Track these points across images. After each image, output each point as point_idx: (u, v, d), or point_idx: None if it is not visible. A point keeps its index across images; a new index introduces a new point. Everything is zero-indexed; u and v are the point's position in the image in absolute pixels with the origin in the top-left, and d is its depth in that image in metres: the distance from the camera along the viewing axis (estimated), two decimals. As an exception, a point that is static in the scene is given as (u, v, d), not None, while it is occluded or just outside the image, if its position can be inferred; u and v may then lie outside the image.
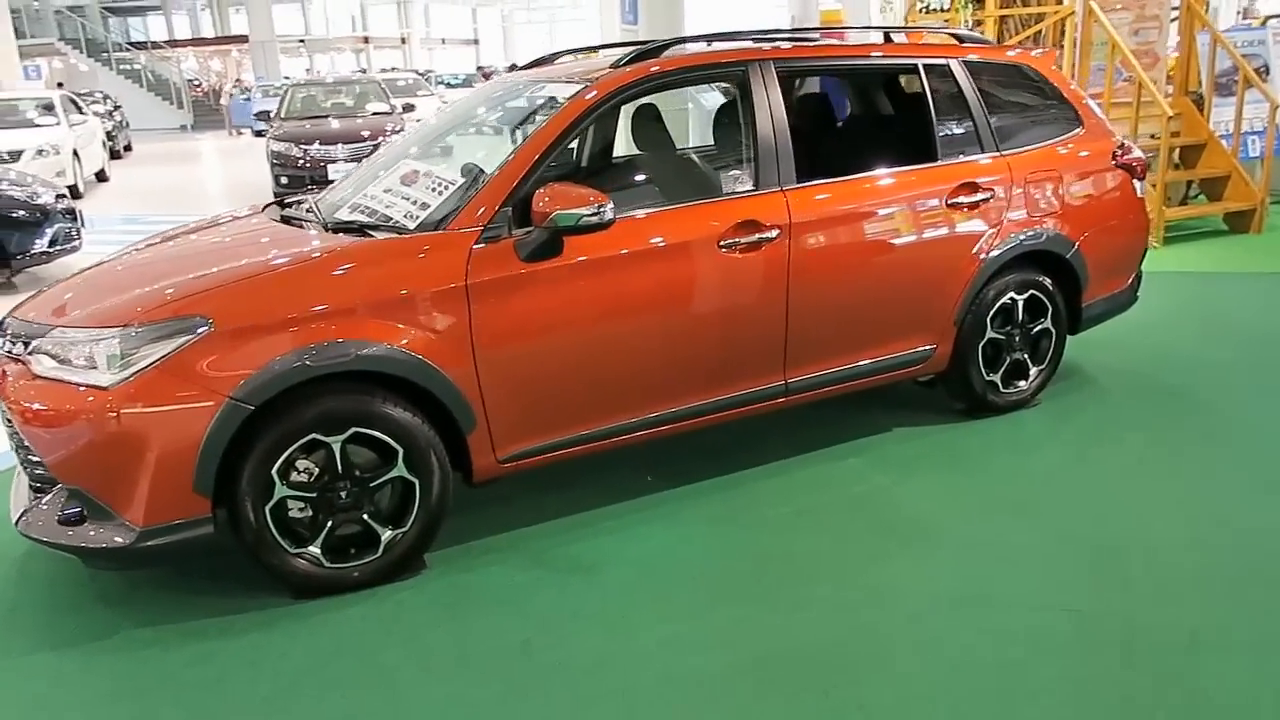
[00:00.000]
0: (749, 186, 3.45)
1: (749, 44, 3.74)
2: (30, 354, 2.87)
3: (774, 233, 3.39)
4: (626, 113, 4.30)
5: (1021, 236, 3.94)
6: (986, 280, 3.91)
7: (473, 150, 3.83)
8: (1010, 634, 2.65)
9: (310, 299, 2.81)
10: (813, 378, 3.64)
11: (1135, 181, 4.32)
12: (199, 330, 2.69)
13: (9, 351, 2.97)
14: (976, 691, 2.41)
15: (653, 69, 3.38)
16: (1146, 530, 3.17)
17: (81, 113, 16.10)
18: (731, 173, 3.45)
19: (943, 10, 8.41)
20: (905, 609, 2.78)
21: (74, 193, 13.92)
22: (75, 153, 14.30)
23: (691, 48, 3.68)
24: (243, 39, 37.49)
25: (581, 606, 2.87)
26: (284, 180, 11.78)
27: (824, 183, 3.60)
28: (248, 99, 28.02)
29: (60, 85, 25.47)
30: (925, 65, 3.90)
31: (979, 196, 3.84)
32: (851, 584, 2.92)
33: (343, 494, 2.89)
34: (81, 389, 2.69)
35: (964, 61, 4.00)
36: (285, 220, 3.45)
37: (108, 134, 21.22)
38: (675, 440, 3.82)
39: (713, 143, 4.38)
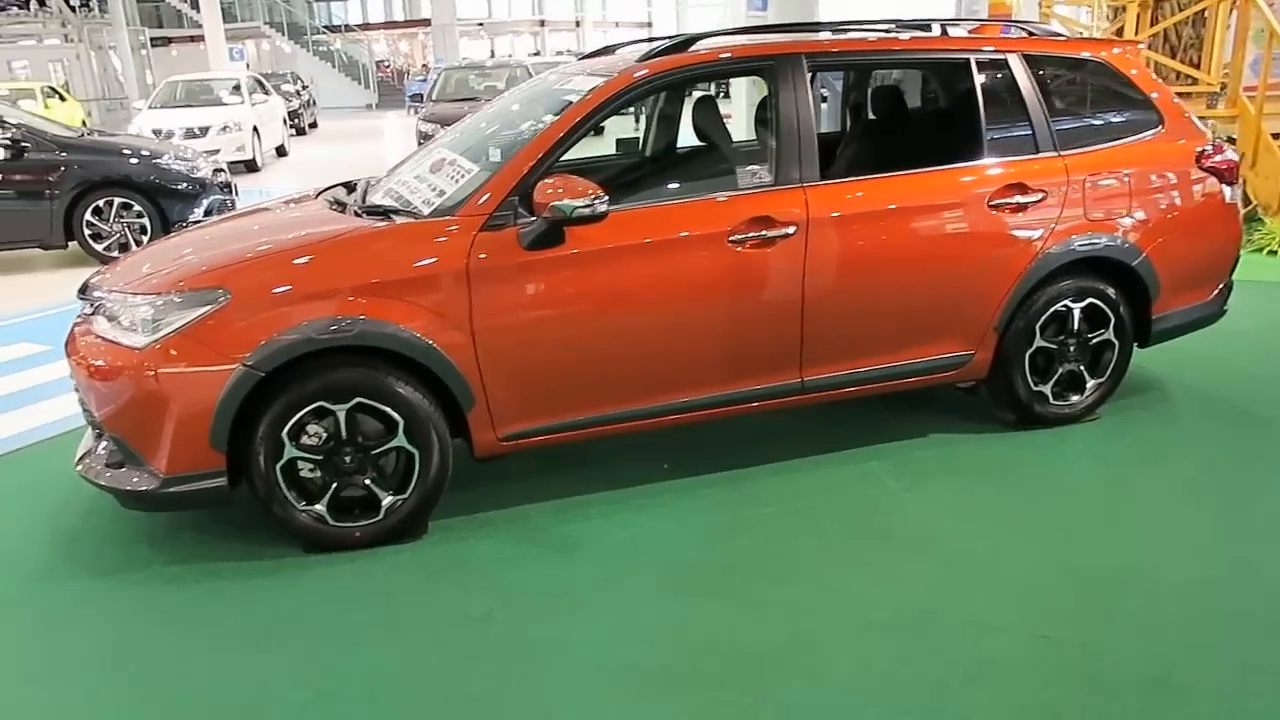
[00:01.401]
0: (768, 182, 3.43)
1: (781, 37, 3.69)
2: (94, 314, 3.24)
3: (790, 229, 3.36)
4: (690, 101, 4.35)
5: (1076, 242, 3.72)
6: (1035, 286, 3.73)
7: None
8: (963, 654, 2.57)
9: (320, 276, 3.04)
10: (831, 377, 3.59)
11: (1225, 187, 3.99)
12: (219, 301, 2.96)
13: (84, 312, 3.36)
14: (899, 709, 2.37)
15: (673, 63, 3.41)
16: (1156, 564, 2.97)
17: (266, 93, 17.45)
18: (752, 167, 3.44)
19: (1084, -4, 7.89)
20: (864, 618, 2.74)
21: (251, 166, 15.19)
22: (255, 129, 15.52)
23: (718, 41, 3.67)
24: (426, 22, 39.37)
25: (552, 585, 2.98)
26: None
27: (847, 180, 3.53)
28: (423, 80, 29.46)
29: (247, 66, 27.57)
30: (979, 60, 3.74)
31: (1028, 198, 3.66)
32: (819, 588, 2.90)
33: (347, 459, 3.12)
34: (122, 349, 3.03)
35: (1025, 56, 3.80)
36: (335, 202, 3.71)
37: (293, 112, 22.96)
38: (699, 431, 3.88)
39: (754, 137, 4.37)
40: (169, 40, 40.12)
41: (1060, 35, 4.05)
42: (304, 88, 26.03)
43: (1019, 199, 3.65)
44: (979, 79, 3.72)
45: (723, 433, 3.97)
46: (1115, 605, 2.77)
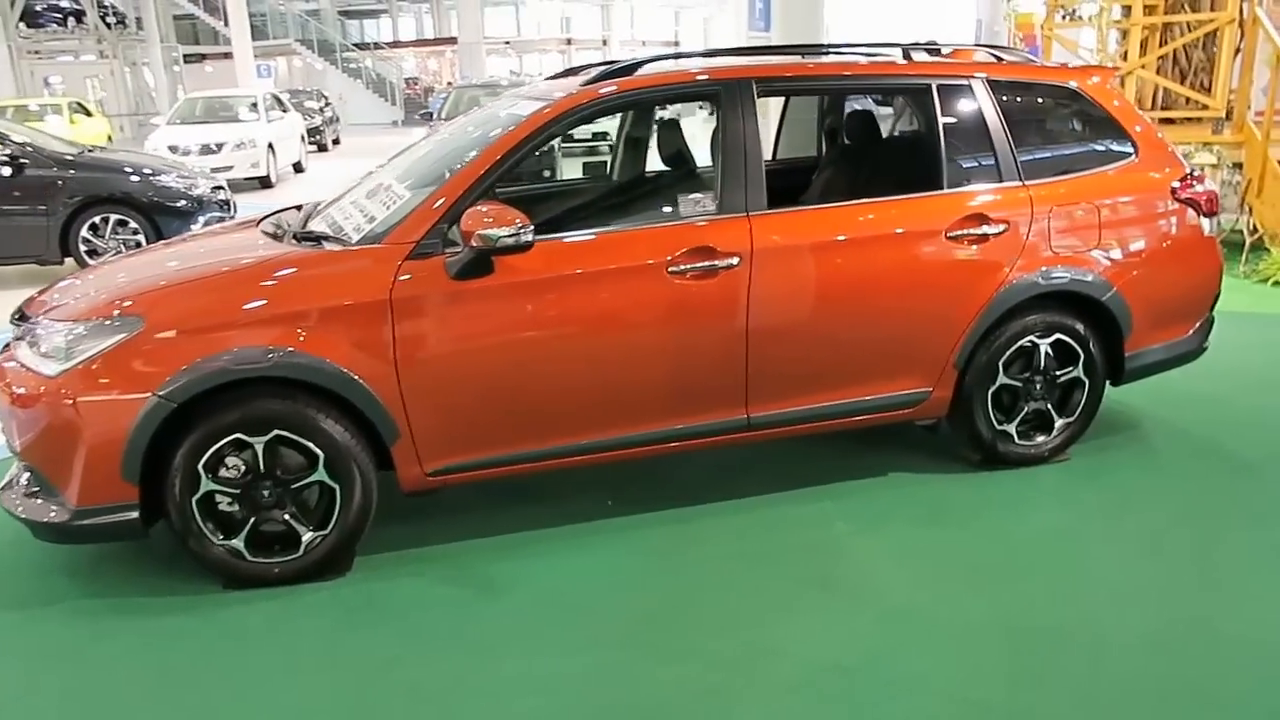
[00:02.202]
0: (712, 210, 3.31)
1: (731, 61, 3.58)
2: (21, 340, 3.17)
3: (733, 260, 3.24)
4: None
5: (1041, 275, 3.56)
6: (997, 321, 3.57)
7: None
8: (878, 718, 2.41)
9: (237, 306, 2.95)
10: (779, 414, 3.45)
11: (1203, 219, 3.81)
12: (132, 330, 2.89)
13: (15, 336, 3.30)
14: (802, 776, 2.22)
15: (615, 88, 3.31)
16: (1106, 622, 2.80)
17: (283, 110, 17.61)
18: (695, 195, 3.32)
19: (1089, 19, 7.69)
20: (782, 674, 2.60)
21: (265, 182, 15.31)
22: (270, 146, 15.64)
23: (666, 66, 3.57)
24: (454, 40, 39.75)
25: (467, 629, 2.86)
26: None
27: (796, 210, 3.41)
28: (444, 97, 29.67)
29: (275, 83, 27.89)
30: (940, 85, 3.60)
31: (989, 229, 3.51)
32: (743, 639, 2.75)
33: (266, 493, 3.02)
34: (37, 376, 2.95)
35: (990, 81, 3.66)
36: (277, 227, 3.63)
37: (315, 129, 23.19)
38: (651, 464, 3.76)
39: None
40: (203, 57, 40.85)
41: (1033, 61, 3.90)
42: (327, 104, 26.28)
43: (979, 230, 3.50)
44: (940, 105, 3.58)
45: (676, 467, 3.84)
46: (1056, 666, 2.60)
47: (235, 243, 3.51)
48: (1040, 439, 3.79)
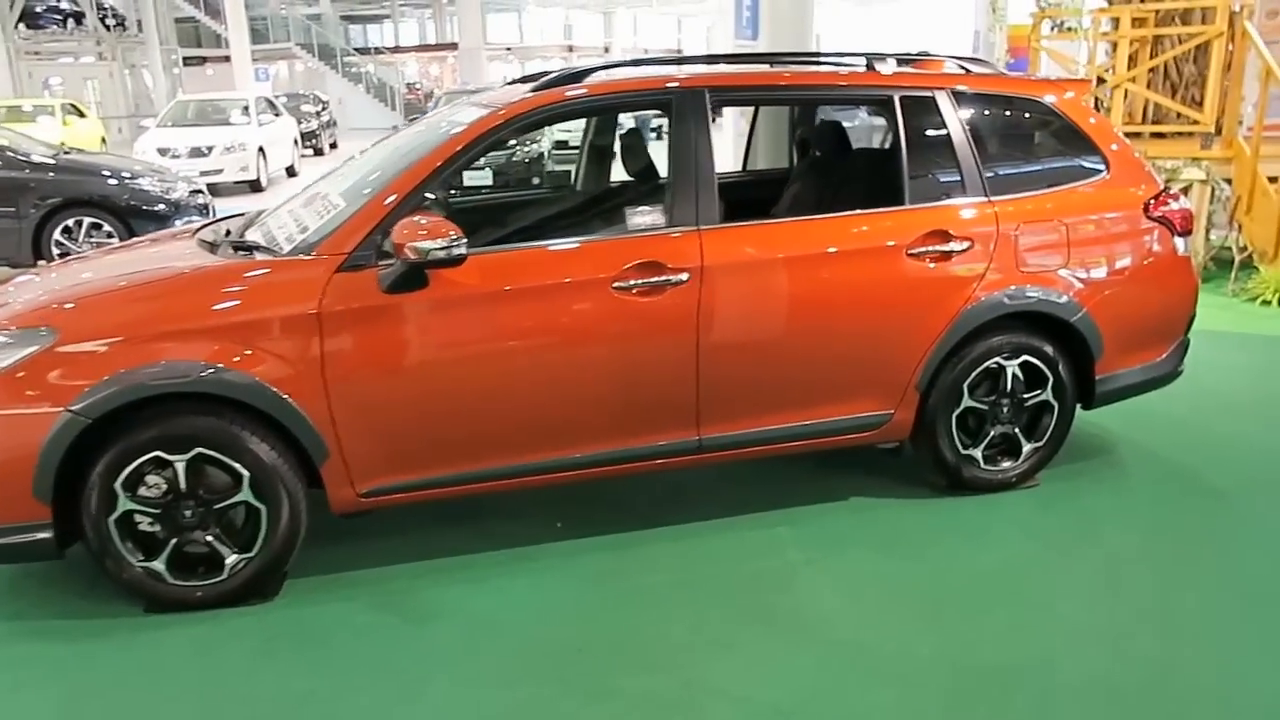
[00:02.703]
0: (661, 224, 3.18)
1: (683, 70, 3.46)
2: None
3: (681, 276, 3.11)
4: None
5: (1006, 295, 3.43)
6: (961, 342, 3.44)
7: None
8: (813, 765, 2.28)
9: (156, 318, 2.83)
10: (731, 436, 3.32)
11: (1176, 238, 3.68)
12: (44, 341, 2.76)
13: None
14: (722, 831, 2.08)
15: (559, 97, 3.18)
16: (1059, 660, 2.66)
17: (276, 113, 17.51)
18: (644, 208, 3.19)
19: (1081, 31, 7.58)
20: (716, 717, 2.46)
21: (255, 186, 15.21)
22: (261, 150, 15.54)
23: (615, 74, 3.44)
24: (454, 46, 39.70)
25: (389, 659, 2.72)
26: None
27: (750, 224, 3.28)
28: (437, 102, 29.60)
29: (270, 86, 27.85)
30: (903, 97, 3.47)
31: (952, 246, 3.38)
32: (674, 679, 2.61)
33: (188, 513, 2.89)
34: (-52, 388, 2.82)
35: (955, 93, 3.53)
36: (221, 235, 3.51)
37: (310, 132, 23.11)
38: (604, 486, 3.63)
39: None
40: (204, 60, 40.84)
41: (1003, 73, 3.78)
42: (324, 108, 26.21)
43: (942, 247, 3.37)
44: (902, 117, 3.45)
45: (628, 488, 3.71)
46: (1001, 708, 2.47)
47: (166, 253, 3.38)
48: (1007, 464, 3.66)
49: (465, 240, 2.83)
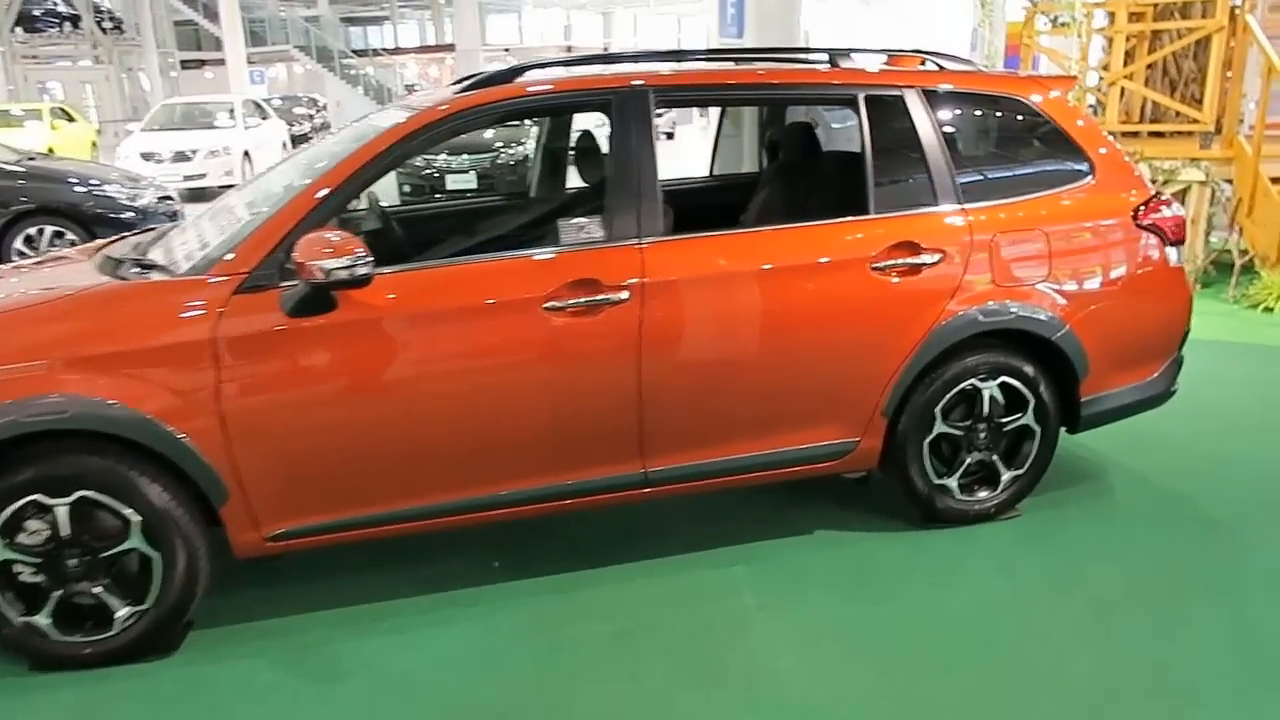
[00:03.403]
0: (599, 237, 2.90)
1: (625, 68, 3.17)
2: None
3: (621, 295, 2.83)
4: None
5: (982, 311, 3.15)
6: (932, 363, 3.15)
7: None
8: None
9: (30, 347, 2.55)
10: (681, 469, 3.04)
11: (1169, 247, 3.39)
12: (-95, 374, 2.49)
13: None
14: None
15: (485, 99, 2.90)
16: (1023, 715, 2.38)
17: (263, 116, 17.27)
18: (580, 221, 2.91)
19: (1071, 25, 7.27)
20: (640, 798, 2.18)
21: (240, 191, 14.94)
22: (246, 153, 15.31)
23: (551, 73, 3.16)
24: (452, 48, 39.46)
25: (286, 727, 2.45)
26: (406, 189, 12.00)
27: (697, 237, 3.00)
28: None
29: (266, 89, 27.69)
30: (868, 96, 3.19)
31: (922, 259, 3.09)
32: (601, 749, 2.34)
33: (72, 562, 2.62)
34: None
35: (926, 92, 3.24)
36: (126, 253, 3.23)
37: (302, 136, 22.84)
38: (542, 523, 3.35)
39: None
40: (203, 63, 40.68)
41: (980, 70, 3.49)
42: (319, 110, 25.97)
43: (910, 260, 3.08)
44: (867, 118, 3.17)
45: (578, 523, 3.42)
46: (967, 790, 2.18)
47: (58, 274, 3.11)
48: (984, 494, 3.37)
49: (371, 259, 2.55)
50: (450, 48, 41.77)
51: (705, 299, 2.94)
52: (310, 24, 39.17)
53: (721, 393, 3.01)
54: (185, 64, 40.03)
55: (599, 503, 3.04)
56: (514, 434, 2.86)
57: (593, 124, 4.10)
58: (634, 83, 3.00)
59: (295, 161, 3.34)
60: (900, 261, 3.07)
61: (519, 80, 3.00)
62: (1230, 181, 6.72)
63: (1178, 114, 7.43)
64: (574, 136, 4.14)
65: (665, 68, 3.24)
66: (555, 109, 3.37)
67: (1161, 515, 3.46)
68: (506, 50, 45.16)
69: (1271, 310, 6.04)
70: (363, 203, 3.65)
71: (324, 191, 2.72)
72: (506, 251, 2.87)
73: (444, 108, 2.85)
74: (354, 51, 41.77)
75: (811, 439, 3.14)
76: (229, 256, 2.67)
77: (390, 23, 51.35)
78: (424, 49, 47.90)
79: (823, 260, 3.03)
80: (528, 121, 12.48)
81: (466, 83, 3.02)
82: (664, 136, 27.74)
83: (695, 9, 52.28)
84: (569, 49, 48.03)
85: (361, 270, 2.53)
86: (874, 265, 3.05)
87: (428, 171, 12.05)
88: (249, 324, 2.62)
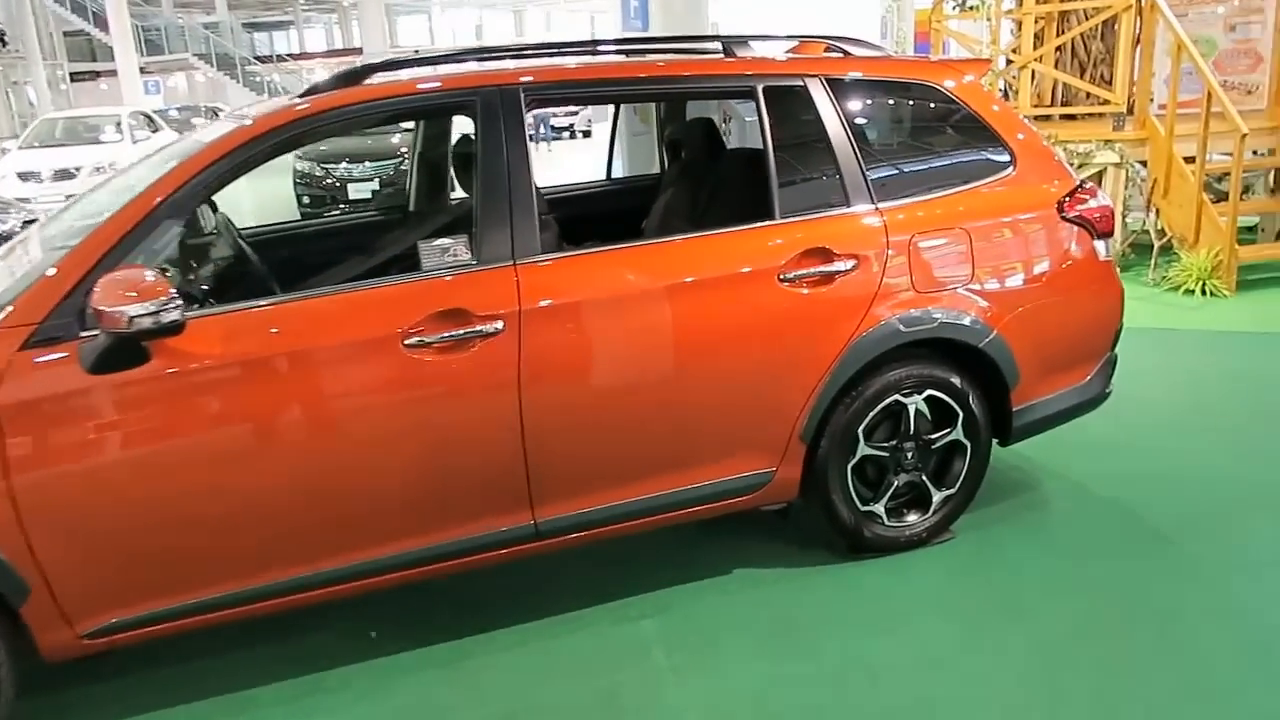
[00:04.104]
0: (466, 260, 2.52)
1: (494, 65, 2.79)
2: None
3: (494, 325, 2.46)
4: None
5: (902, 321, 2.85)
6: (851, 381, 2.85)
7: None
8: None
9: None
10: (575, 517, 2.67)
11: (1097, 241, 3.14)
12: None
13: None
14: None
15: (321, 106, 2.49)
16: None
17: (155, 129, 16.36)
18: (444, 242, 2.52)
19: (979, 8, 7.10)
20: None
21: (130, 209, 14.09)
22: (135, 169, 14.44)
23: (409, 73, 2.77)
24: (360, 51, 38.41)
25: None
26: (306, 200, 11.40)
27: (579, 254, 2.64)
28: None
29: (162, 99, 26.58)
30: (767, 87, 2.86)
31: (834, 266, 2.78)
32: None
33: None
34: None
35: (830, 81, 2.93)
36: None
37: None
38: (428, 582, 2.94)
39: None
40: (97, 74, 38.90)
41: (888, 55, 3.20)
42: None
43: (821, 269, 2.77)
44: (768, 112, 2.84)
45: (467, 578, 3.03)
46: None
47: None
48: (914, 518, 3.09)
49: (179, 303, 2.13)
50: (358, 51, 40.70)
51: (592, 325, 2.58)
52: (210, 31, 37.78)
53: (617, 429, 2.66)
54: (77, 76, 38.25)
55: (485, 561, 2.66)
56: (377, 493, 2.47)
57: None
58: (502, 80, 2.63)
59: (104, 187, 2.88)
60: (810, 271, 2.75)
61: (367, 83, 2.60)
62: (1144, 163, 6.62)
63: (1088, 95, 7.33)
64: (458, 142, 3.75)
65: (539, 63, 2.86)
66: (409, 113, 2.97)
67: (1101, 531, 3.22)
68: (416, 52, 44.23)
69: (1193, 293, 5.93)
70: (210, 226, 3.20)
71: (127, 226, 2.28)
72: (360, 282, 2.46)
73: (273, 120, 2.43)
74: (258, 58, 40.38)
75: (722, 473, 2.80)
76: (15, 306, 2.22)
77: (295, 28, 49.89)
78: (331, 53, 46.58)
79: (724, 274, 2.69)
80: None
81: (306, 89, 2.60)
82: (580, 135, 27.27)
83: (608, 5, 51.95)
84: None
85: (170, 316, 2.11)
86: (782, 276, 2.73)
87: (329, 181, 11.48)
88: (40, 385, 2.18)
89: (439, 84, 2.63)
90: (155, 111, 18.63)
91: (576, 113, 26.69)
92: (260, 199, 15.71)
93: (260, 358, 2.31)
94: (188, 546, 2.34)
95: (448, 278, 2.48)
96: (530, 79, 2.65)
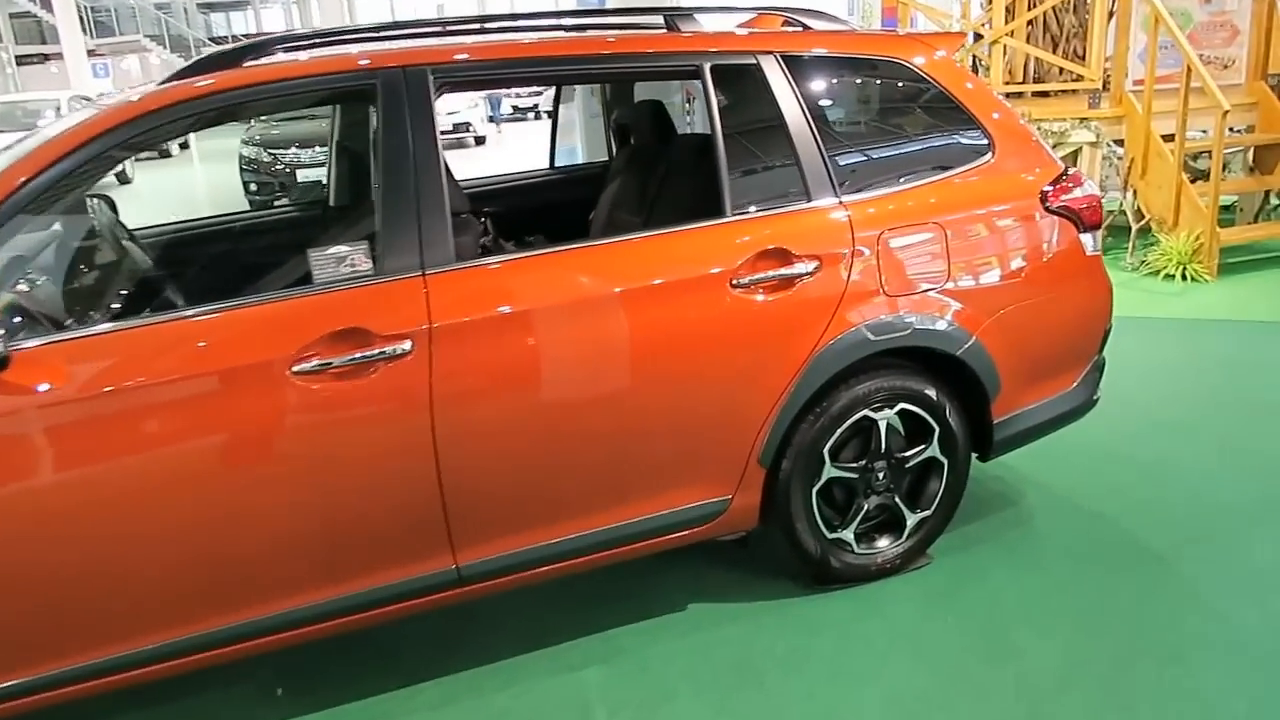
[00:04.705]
0: (366, 270, 2.17)
1: (397, 44, 2.43)
2: None
3: (401, 346, 2.12)
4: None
5: (869, 329, 2.54)
6: (815, 397, 2.54)
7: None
8: None
9: None
10: (503, 559, 2.35)
11: (1084, 234, 2.85)
12: None
13: None
14: None
15: (189, 93, 2.13)
16: None
17: (97, 114, 15.71)
18: (341, 250, 2.18)
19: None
20: None
21: (72, 198, 13.51)
22: (76, 156, 13.84)
23: (322, 52, 2.41)
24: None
25: None
26: (254, 188, 10.92)
27: (496, 262, 2.30)
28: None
29: (111, 82, 25.78)
30: (715, 66, 2.53)
31: (794, 269, 2.46)
32: None
33: None
34: None
35: (787, 59, 2.60)
36: None
37: (152, 131, 21.01)
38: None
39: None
40: (45, 57, 37.74)
41: (851, 29, 2.87)
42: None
43: (779, 272, 2.45)
44: (716, 94, 2.51)
45: (390, 627, 2.70)
46: None
47: None
48: (887, 543, 2.79)
49: (2, 333, 1.77)
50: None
51: (516, 342, 2.24)
52: (163, 12, 36.75)
53: (549, 459, 2.33)
54: (24, 59, 37.06)
55: (402, 612, 2.33)
56: (266, 543, 2.13)
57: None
58: (406, 61, 2.27)
59: None
60: (767, 275, 2.43)
61: (244, 66, 2.23)
62: (1121, 142, 6.36)
63: (1061, 71, 7.05)
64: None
65: (450, 42, 2.51)
66: (292, 101, 2.61)
67: (1089, 550, 2.94)
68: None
69: (1173, 278, 5.69)
70: (98, 227, 2.82)
71: (-49, 232, 1.92)
72: (241, 299, 2.11)
73: (134, 109, 2.06)
74: (213, 39, 39.35)
75: (671, 503, 2.49)
76: None
77: (252, 8, 48.69)
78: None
79: (667, 281, 2.36)
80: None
81: (174, 73, 2.23)
82: (546, 115, 26.52)
83: (573, -18, 51.09)
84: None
85: (-11, 351, 1.75)
86: (735, 281, 2.40)
87: (278, 167, 11.00)
88: None
89: (329, 66, 2.27)
90: (103, 95, 18.00)
91: (540, 92, 26.04)
92: (207, 185, 15.17)
93: (118, 390, 1.96)
94: (38, 612, 2.00)
95: (344, 292, 2.13)
96: (439, 59, 2.30)
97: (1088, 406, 3.03)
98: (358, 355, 2.09)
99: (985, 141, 2.77)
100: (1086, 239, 2.84)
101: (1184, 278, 5.68)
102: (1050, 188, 2.79)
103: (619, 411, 2.35)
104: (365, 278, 2.15)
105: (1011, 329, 2.73)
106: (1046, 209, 2.77)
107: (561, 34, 2.61)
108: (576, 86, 6.77)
